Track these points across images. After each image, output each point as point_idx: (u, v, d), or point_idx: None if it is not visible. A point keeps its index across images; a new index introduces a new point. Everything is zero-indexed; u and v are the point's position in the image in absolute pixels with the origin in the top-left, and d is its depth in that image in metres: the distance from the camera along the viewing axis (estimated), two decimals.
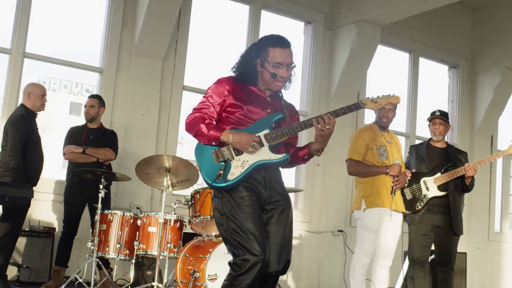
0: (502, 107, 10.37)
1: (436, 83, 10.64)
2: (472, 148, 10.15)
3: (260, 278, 3.27)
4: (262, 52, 3.50)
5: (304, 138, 8.02)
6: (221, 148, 3.40)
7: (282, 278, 8.14)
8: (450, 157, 6.05)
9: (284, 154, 3.45)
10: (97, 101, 6.75)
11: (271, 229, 3.40)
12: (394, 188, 5.44)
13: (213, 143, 3.40)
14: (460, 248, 6.19)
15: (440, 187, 5.92)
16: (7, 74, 7.00)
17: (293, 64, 3.53)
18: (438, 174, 5.94)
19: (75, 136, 6.67)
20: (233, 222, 3.31)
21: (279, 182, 3.52)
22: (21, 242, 6.27)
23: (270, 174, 3.45)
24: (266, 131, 3.43)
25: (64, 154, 6.62)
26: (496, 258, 10.51)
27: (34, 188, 5.80)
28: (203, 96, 3.54)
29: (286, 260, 3.40)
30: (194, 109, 3.52)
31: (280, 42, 3.50)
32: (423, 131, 9.85)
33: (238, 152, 3.39)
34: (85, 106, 6.72)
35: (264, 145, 3.42)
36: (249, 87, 3.55)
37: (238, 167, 3.36)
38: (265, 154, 3.41)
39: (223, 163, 3.37)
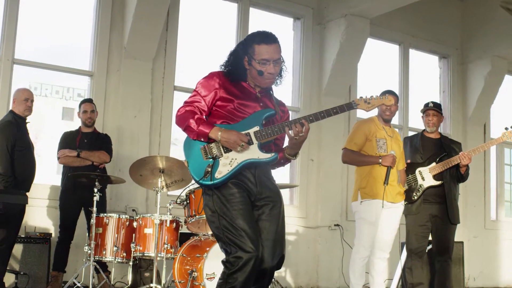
0: (493, 95, 10.40)
1: (427, 74, 10.65)
2: (466, 137, 10.17)
3: (255, 274, 3.27)
4: (249, 49, 3.46)
5: None
6: (210, 144, 3.38)
7: (280, 274, 8.17)
8: (445, 147, 6.08)
9: (273, 154, 3.43)
10: (94, 105, 6.76)
11: (263, 225, 3.39)
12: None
13: (202, 139, 3.39)
14: (456, 237, 6.21)
15: (435, 177, 5.95)
16: None
17: (281, 59, 3.50)
18: (433, 164, 5.97)
19: (69, 141, 6.66)
20: (224, 219, 3.30)
21: (269, 178, 3.50)
22: (18, 249, 6.24)
23: (259, 170, 3.44)
24: (256, 128, 3.41)
25: (58, 158, 6.61)
26: (493, 246, 10.55)
27: (28, 194, 5.79)
28: (194, 90, 3.51)
29: (280, 255, 3.40)
30: (185, 102, 3.49)
31: (265, 38, 3.46)
32: (416, 123, 9.87)
33: (227, 149, 3.37)
34: (85, 111, 6.69)
35: (253, 143, 3.40)
36: (240, 83, 3.53)
37: (226, 165, 3.35)
38: (254, 153, 3.39)
39: (211, 159, 3.35)
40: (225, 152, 3.37)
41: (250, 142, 3.39)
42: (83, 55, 7.71)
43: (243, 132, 3.38)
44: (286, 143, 3.70)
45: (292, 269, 8.45)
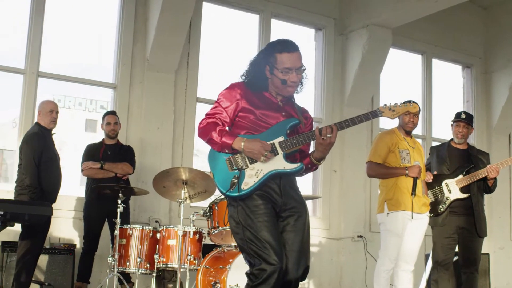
0: None
1: (451, 84, 10.57)
2: (490, 147, 10.05)
3: (279, 286, 3.24)
4: (270, 58, 3.44)
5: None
6: (235, 155, 3.36)
7: (304, 286, 8.12)
8: (472, 159, 6.00)
9: (298, 164, 3.41)
10: (117, 117, 6.81)
11: (288, 236, 3.36)
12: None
13: (226, 151, 3.37)
14: (482, 249, 6.12)
15: (462, 189, 5.88)
16: (22, 94, 7.06)
17: (303, 67, 3.48)
18: (460, 176, 5.90)
19: (92, 153, 6.72)
20: (248, 231, 3.28)
21: (294, 188, 3.48)
22: (42, 259, 6.29)
23: (284, 181, 3.41)
24: (281, 138, 3.39)
25: (82, 170, 6.66)
26: None
27: (53, 205, 5.82)
28: (215, 101, 3.50)
29: (304, 266, 3.37)
30: (207, 114, 3.48)
31: (287, 46, 3.44)
32: (440, 133, 9.79)
33: (252, 160, 3.35)
34: (108, 123, 6.74)
35: (278, 153, 3.37)
36: (262, 92, 3.52)
37: (252, 176, 3.33)
38: (280, 163, 3.37)
39: (237, 171, 3.34)
40: (250, 163, 3.35)
41: (275, 153, 3.37)
42: (106, 67, 7.79)
43: (268, 143, 3.36)
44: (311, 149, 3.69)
45: (315, 281, 8.40)
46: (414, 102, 5.45)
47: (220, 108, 3.46)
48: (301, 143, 3.41)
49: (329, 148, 3.45)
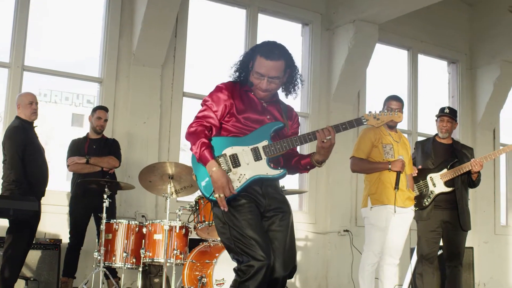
0: (502, 100, 10.36)
1: (436, 79, 10.64)
2: (475, 142, 10.13)
3: (266, 283, 3.26)
4: (253, 57, 3.42)
5: (307, 146, 7.98)
6: (218, 159, 3.33)
7: (290, 280, 8.14)
8: (456, 153, 6.06)
9: (281, 170, 3.40)
10: (108, 114, 6.78)
11: (274, 235, 3.37)
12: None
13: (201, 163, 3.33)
14: (467, 243, 6.18)
15: (446, 183, 5.93)
16: (6, 88, 7.00)
17: (279, 79, 3.42)
18: (445, 170, 5.95)
19: (77, 148, 6.68)
20: (234, 230, 3.29)
21: (276, 190, 3.48)
22: (28, 254, 6.26)
23: (266, 184, 3.42)
24: (265, 143, 3.39)
25: (68, 166, 6.63)
26: (503, 251, 10.49)
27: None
28: (204, 104, 3.47)
29: (292, 265, 3.39)
30: (197, 117, 3.45)
31: (269, 52, 3.38)
32: (425, 128, 9.85)
33: (235, 165, 3.34)
34: (99, 117, 6.70)
35: (262, 158, 3.37)
36: (247, 93, 3.50)
37: (235, 181, 3.32)
38: (263, 169, 3.36)
39: None
40: (233, 167, 3.34)
41: (258, 157, 3.37)
42: (92, 61, 7.75)
43: (251, 147, 3.37)
44: (298, 152, 3.67)
45: (301, 275, 8.43)
46: (396, 99, 5.57)
47: (210, 112, 3.43)
48: (285, 148, 3.40)
49: (331, 150, 3.46)
